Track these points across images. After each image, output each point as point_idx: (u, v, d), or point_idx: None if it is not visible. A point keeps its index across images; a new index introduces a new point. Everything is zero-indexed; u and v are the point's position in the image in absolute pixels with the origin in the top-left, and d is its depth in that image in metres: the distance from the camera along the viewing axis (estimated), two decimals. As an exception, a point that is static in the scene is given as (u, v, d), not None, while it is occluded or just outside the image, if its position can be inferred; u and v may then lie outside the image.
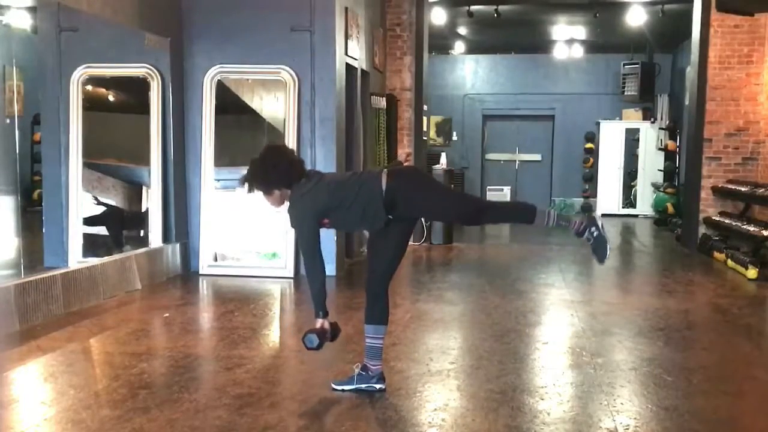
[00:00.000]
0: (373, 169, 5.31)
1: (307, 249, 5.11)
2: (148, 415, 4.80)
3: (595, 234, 5.01)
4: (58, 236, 9.41)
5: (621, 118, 19.07)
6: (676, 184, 16.60)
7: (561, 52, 19.36)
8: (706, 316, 8.34)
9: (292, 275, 9.52)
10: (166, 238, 9.65)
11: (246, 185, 5.14)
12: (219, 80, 9.81)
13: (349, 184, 5.14)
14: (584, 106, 19.35)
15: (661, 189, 16.89)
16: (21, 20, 9.78)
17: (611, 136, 18.91)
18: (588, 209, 4.66)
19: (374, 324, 5.26)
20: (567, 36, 18.38)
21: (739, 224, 11.56)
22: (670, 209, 16.10)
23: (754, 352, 6.89)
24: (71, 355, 6.35)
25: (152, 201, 9.68)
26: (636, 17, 14.92)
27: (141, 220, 9.88)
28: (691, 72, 13.31)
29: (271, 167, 5.11)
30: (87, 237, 9.53)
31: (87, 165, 9.52)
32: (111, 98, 10.54)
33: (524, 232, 16.37)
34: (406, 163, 5.73)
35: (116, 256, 8.77)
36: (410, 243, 12.73)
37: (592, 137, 19.31)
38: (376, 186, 5.01)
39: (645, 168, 18.60)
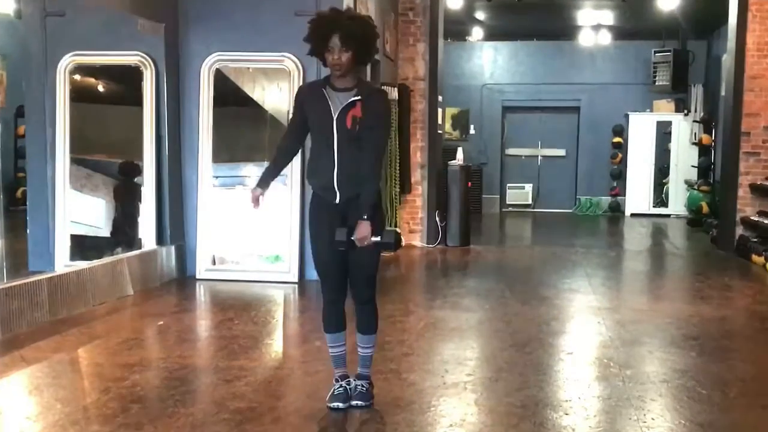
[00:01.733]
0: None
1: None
2: (141, 431, 4.80)
3: (359, 389, 5.27)
4: (44, 238, 9.44)
5: (652, 110, 19.02)
6: (711, 181, 16.54)
7: (587, 38, 19.30)
8: (744, 324, 8.32)
9: (296, 280, 9.52)
10: (160, 240, 9.66)
11: (338, 33, 4.90)
12: (217, 69, 9.82)
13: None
14: (612, 97, 19.29)
15: (695, 187, 16.83)
16: (3, 4, 9.78)
17: (641, 130, 18.86)
18: (369, 398, 5.03)
19: (329, 333, 5.30)
20: (594, 21, 18.34)
21: (780, 225, 11.54)
22: (705, 209, 16.05)
23: (796, 363, 6.86)
24: (58, 366, 6.36)
25: (146, 200, 9.69)
26: (668, 1, 14.88)
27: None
28: (727, 60, 13.27)
29: (365, 30, 5.02)
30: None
31: (75, 161, 9.54)
32: (101, 88, 10.55)
33: (546, 233, 16.38)
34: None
35: (106, 260, 8.78)
36: (424, 245, 12.89)
37: (621, 131, 19.26)
38: None
39: (678, 164, 18.54)
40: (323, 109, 4.99)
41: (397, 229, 4.21)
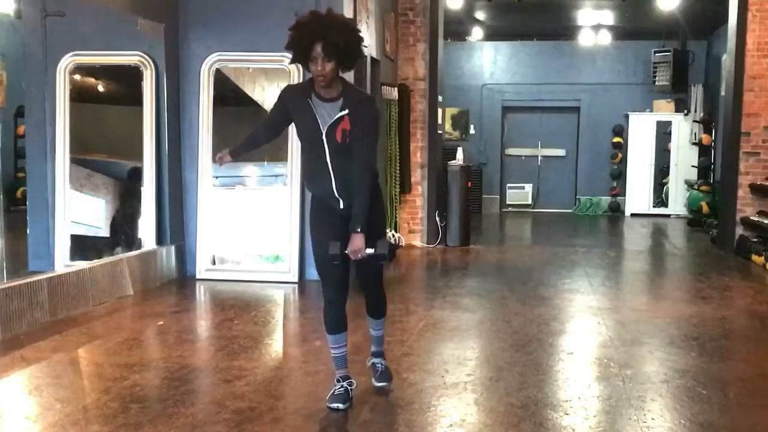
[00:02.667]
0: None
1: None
2: (141, 431, 4.80)
3: (378, 367, 5.58)
4: (44, 237, 9.43)
5: (652, 110, 19.01)
6: (711, 181, 16.54)
7: (587, 38, 19.27)
8: (744, 324, 8.31)
9: (296, 280, 9.51)
10: (160, 240, 9.65)
11: (320, 42, 4.78)
12: (217, 69, 9.81)
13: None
14: (612, 97, 19.29)
15: (695, 187, 16.83)
16: (3, 4, 9.77)
17: (641, 130, 18.85)
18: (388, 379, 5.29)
19: (331, 334, 5.33)
20: (593, 21, 18.32)
21: (780, 225, 11.52)
22: (705, 209, 16.04)
23: (797, 363, 6.86)
24: (58, 366, 6.35)
25: (145, 199, 9.68)
26: (668, 1, 14.86)
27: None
28: (727, 60, 13.26)
29: (347, 38, 4.87)
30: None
31: (75, 160, 9.53)
32: (101, 88, 10.54)
33: (546, 233, 16.36)
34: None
35: (106, 260, 8.77)
36: (424, 245, 12.89)
37: (621, 131, 19.25)
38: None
39: (678, 164, 18.52)
40: (311, 122, 4.96)
41: (392, 240, 4.18)
